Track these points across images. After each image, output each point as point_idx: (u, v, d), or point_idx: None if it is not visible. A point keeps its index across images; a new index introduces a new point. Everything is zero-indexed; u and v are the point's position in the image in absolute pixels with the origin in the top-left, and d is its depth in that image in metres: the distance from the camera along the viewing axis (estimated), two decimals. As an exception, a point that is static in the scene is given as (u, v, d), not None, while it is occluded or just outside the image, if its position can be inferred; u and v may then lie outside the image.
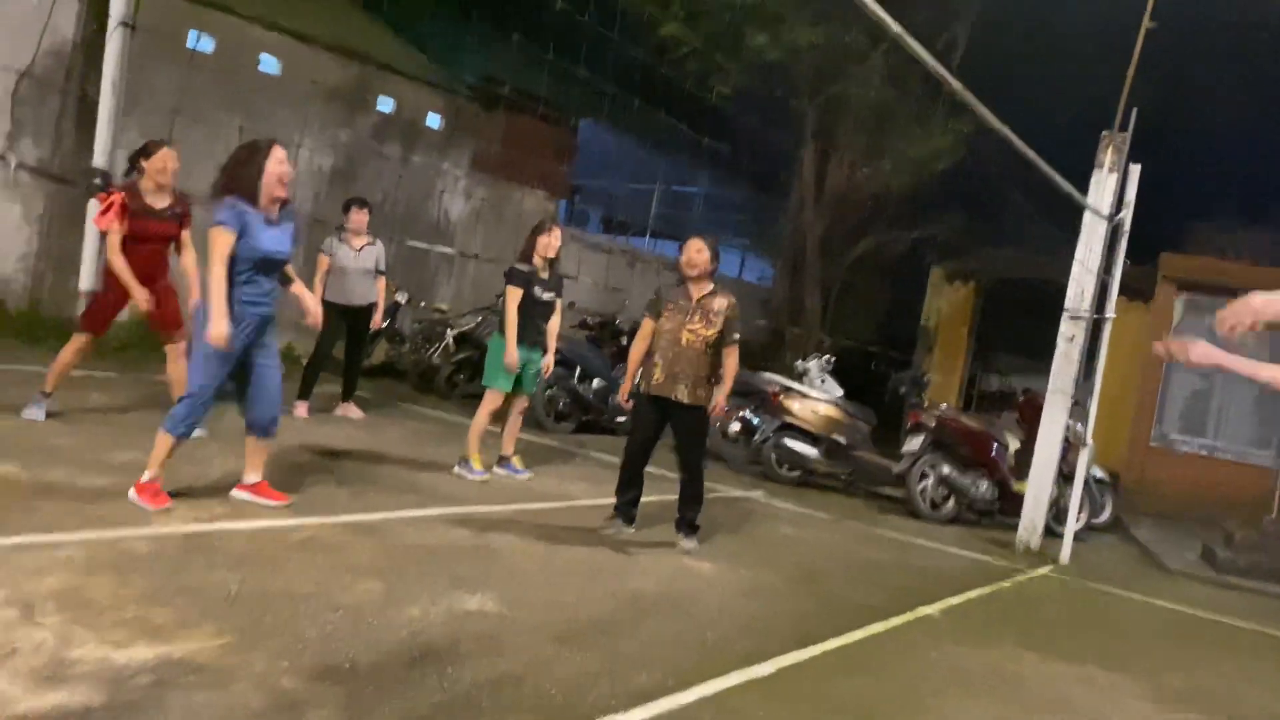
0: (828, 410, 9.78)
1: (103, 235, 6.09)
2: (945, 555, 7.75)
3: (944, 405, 10.51)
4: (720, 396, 6.00)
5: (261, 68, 11.50)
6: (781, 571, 6.02)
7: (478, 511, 6.02)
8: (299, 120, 11.78)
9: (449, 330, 11.20)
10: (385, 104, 12.94)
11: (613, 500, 6.12)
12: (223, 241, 4.67)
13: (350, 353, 8.65)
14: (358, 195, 9.08)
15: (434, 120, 13.60)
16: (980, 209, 15.29)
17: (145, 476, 4.77)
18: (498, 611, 4.23)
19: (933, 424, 9.36)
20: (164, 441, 4.78)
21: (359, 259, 8.37)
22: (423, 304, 12.16)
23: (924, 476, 9.29)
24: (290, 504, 5.23)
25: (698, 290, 5.95)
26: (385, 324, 11.30)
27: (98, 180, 6.09)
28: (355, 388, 8.73)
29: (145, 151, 6.06)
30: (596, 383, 10.43)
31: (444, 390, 10.97)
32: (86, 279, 5.68)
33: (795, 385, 9.93)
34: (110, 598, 3.57)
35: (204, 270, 4.86)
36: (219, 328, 4.62)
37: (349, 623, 3.78)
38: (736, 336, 5.95)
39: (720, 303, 5.92)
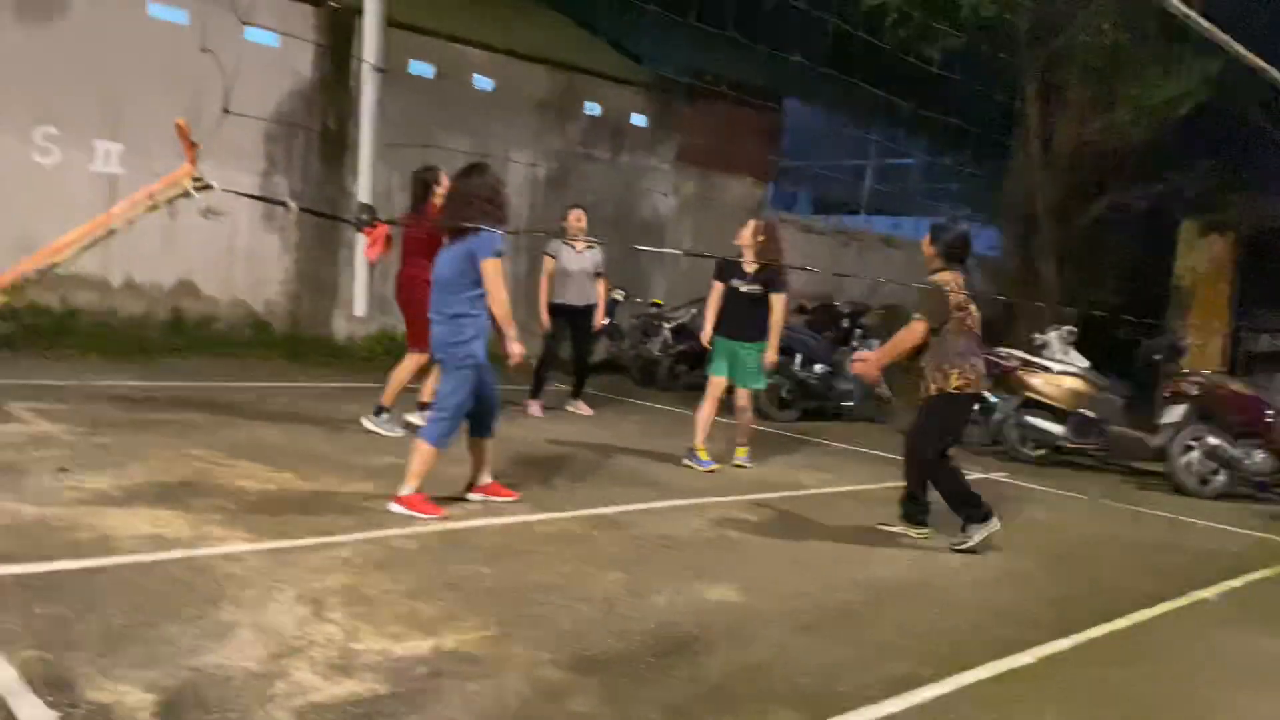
0: (1072, 383, 9.17)
1: (371, 266, 6.61)
2: (1219, 534, 7.08)
3: (1205, 371, 9.62)
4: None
5: (476, 85, 12.05)
6: (1036, 555, 5.69)
7: (712, 502, 6.05)
8: (513, 133, 12.29)
9: (665, 324, 11.36)
10: (592, 108, 13.26)
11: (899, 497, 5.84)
12: (500, 268, 4.93)
13: (577, 352, 8.98)
14: (577, 202, 9.45)
15: (639, 119, 13.81)
16: (1234, 154, 13.85)
17: (407, 490, 4.98)
18: (741, 601, 4.24)
19: (1195, 392, 8.58)
20: (426, 454, 4.98)
21: (581, 261, 8.70)
22: (638, 300, 12.39)
23: (1188, 449, 8.53)
24: (520, 499, 5.43)
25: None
26: (605, 321, 11.62)
27: (365, 215, 6.61)
28: (584, 385, 9.04)
29: (433, 178, 6.59)
30: (819, 368, 10.26)
31: (665, 382, 11.14)
32: (360, 307, 6.18)
33: (1035, 359, 9.36)
34: (384, 594, 3.84)
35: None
36: (519, 347, 5.03)
37: (600, 613, 3.89)
38: (918, 315, 5.60)
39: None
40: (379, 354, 11.14)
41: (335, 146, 11.04)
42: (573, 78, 13.06)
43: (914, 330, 5.53)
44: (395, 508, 4.95)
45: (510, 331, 4.98)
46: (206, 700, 2.82)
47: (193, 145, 1.32)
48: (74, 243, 1.21)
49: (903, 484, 5.80)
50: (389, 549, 4.42)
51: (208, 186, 1.36)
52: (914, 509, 5.74)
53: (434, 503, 5.02)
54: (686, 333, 10.92)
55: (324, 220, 10.86)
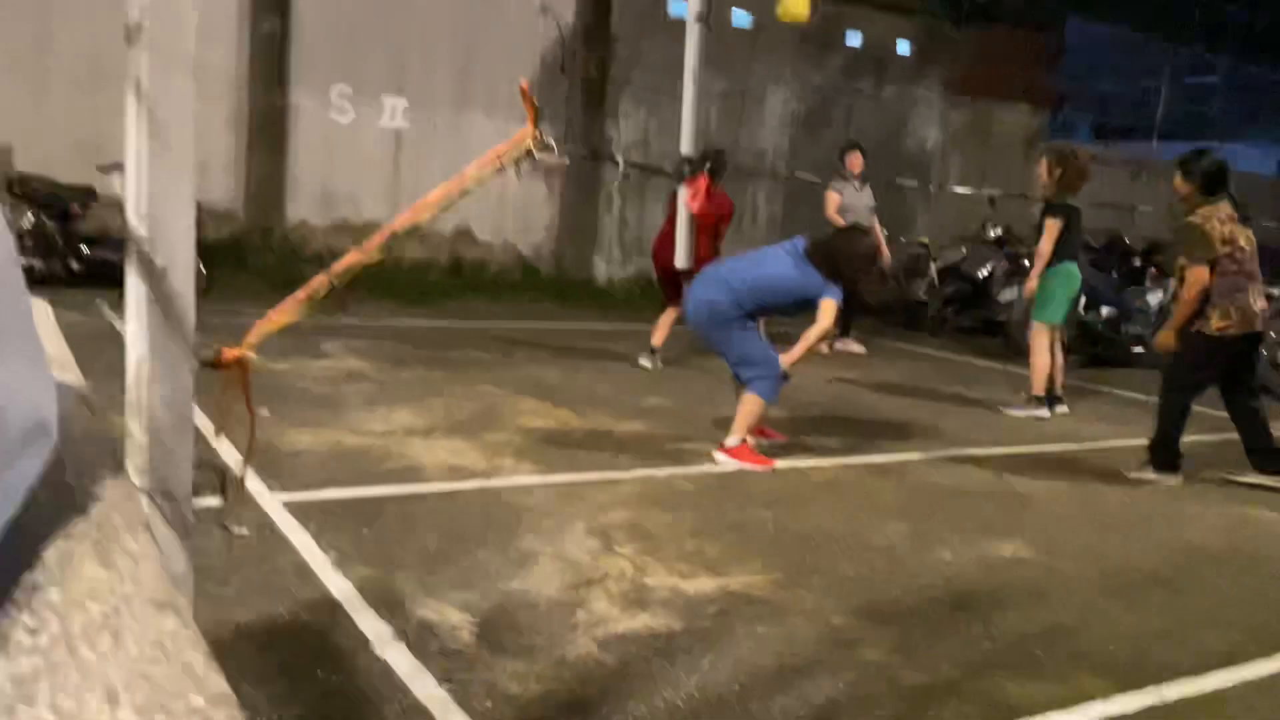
0: None
1: (692, 217, 6.87)
2: None
3: None
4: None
5: (735, 23, 11.90)
6: (1378, 524, 5.02)
7: (993, 453, 5.76)
8: (773, 70, 12.07)
9: (932, 264, 10.87)
10: (854, 38, 12.77)
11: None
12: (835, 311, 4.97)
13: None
14: (855, 142, 9.31)
15: (904, 47, 13.16)
16: None
17: (732, 440, 5.00)
18: (1035, 559, 4.01)
19: None
20: (753, 405, 5.00)
21: (863, 198, 8.70)
22: (902, 239, 11.91)
23: None
24: (786, 442, 5.38)
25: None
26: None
27: (686, 168, 6.85)
28: (854, 322, 8.97)
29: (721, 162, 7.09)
30: (1106, 311, 9.48)
31: (933, 326, 10.69)
32: (681, 258, 6.45)
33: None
34: (668, 531, 3.94)
35: None
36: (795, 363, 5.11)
37: (884, 563, 3.80)
38: (1184, 262, 5.22)
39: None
40: (636, 297, 11.43)
41: (595, 94, 11.29)
42: (834, 7, 12.61)
43: (1196, 279, 5.10)
44: (721, 458, 4.98)
45: (800, 354, 5.03)
46: (518, 623, 3.00)
47: (534, 106, 1.36)
48: (435, 203, 1.29)
49: (1214, 437, 5.33)
50: (668, 488, 4.52)
51: (548, 147, 1.40)
52: (1265, 458, 5.35)
53: (762, 454, 5.05)
54: (957, 274, 10.41)
55: (584, 170, 11.19)
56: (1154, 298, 9.82)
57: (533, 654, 2.81)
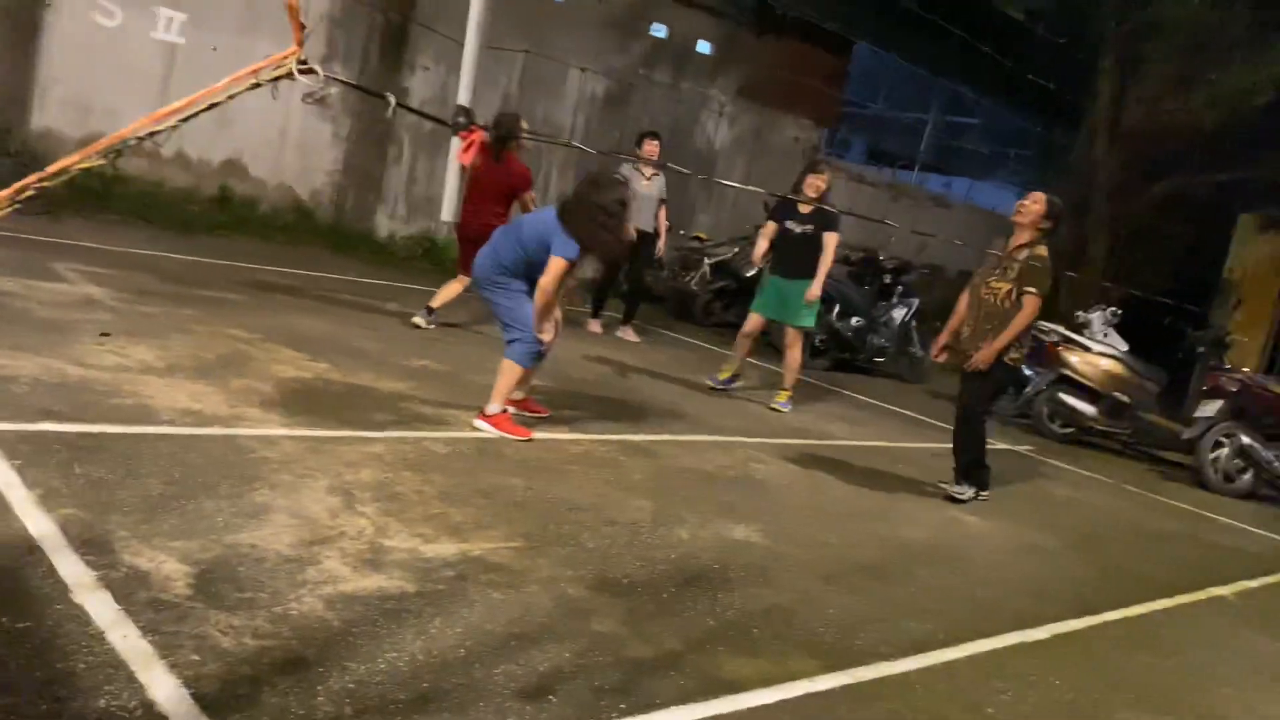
0: (1110, 365, 9.05)
1: (463, 169, 6.60)
2: (1240, 533, 7.04)
3: (1246, 369, 9.48)
4: (995, 343, 5.59)
5: (544, -5, 11.80)
6: (1058, 533, 5.68)
7: (740, 442, 6.05)
8: (578, 47, 12.07)
9: (706, 259, 11.26)
10: (659, 30, 12.98)
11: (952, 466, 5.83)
12: (563, 270, 4.84)
13: (634, 278, 9.00)
14: (654, 130, 9.41)
15: (705, 46, 13.51)
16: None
17: (492, 408, 4.95)
18: (764, 544, 4.25)
19: (1234, 389, 8.46)
20: (509, 371, 4.94)
21: (650, 188, 8.73)
22: (682, 232, 12.26)
23: (1218, 446, 8.44)
24: (550, 417, 5.41)
25: (1015, 241, 5.62)
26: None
27: (462, 118, 6.60)
28: (636, 312, 9.09)
29: (515, 130, 6.79)
30: (855, 320, 10.17)
31: (701, 317, 11.09)
32: (448, 211, 6.19)
33: (1075, 336, 9.24)
34: (415, 493, 3.88)
35: None
36: (548, 334, 5.00)
37: (625, 538, 3.91)
38: (1032, 292, 5.43)
39: (1023, 254, 5.51)
40: (417, 256, 11.15)
41: (395, 41, 10.89)
42: (645, -5, 12.78)
43: (1034, 311, 5.44)
44: (480, 425, 4.93)
45: (544, 321, 4.95)
46: (239, 578, 2.86)
47: (301, 27, 1.27)
48: (177, 112, 1.18)
49: (945, 446, 5.82)
50: (422, 450, 4.45)
51: (312, 70, 1.31)
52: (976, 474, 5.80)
53: (523, 425, 5.01)
54: (727, 269, 10.83)
55: (373, 116, 10.75)
56: (899, 313, 10.64)
57: (252, 609, 2.69)
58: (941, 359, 5.94)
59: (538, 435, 5.07)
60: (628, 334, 8.99)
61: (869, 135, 19.75)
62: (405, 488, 3.91)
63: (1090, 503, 6.88)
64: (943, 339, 5.87)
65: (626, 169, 8.78)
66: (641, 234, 8.69)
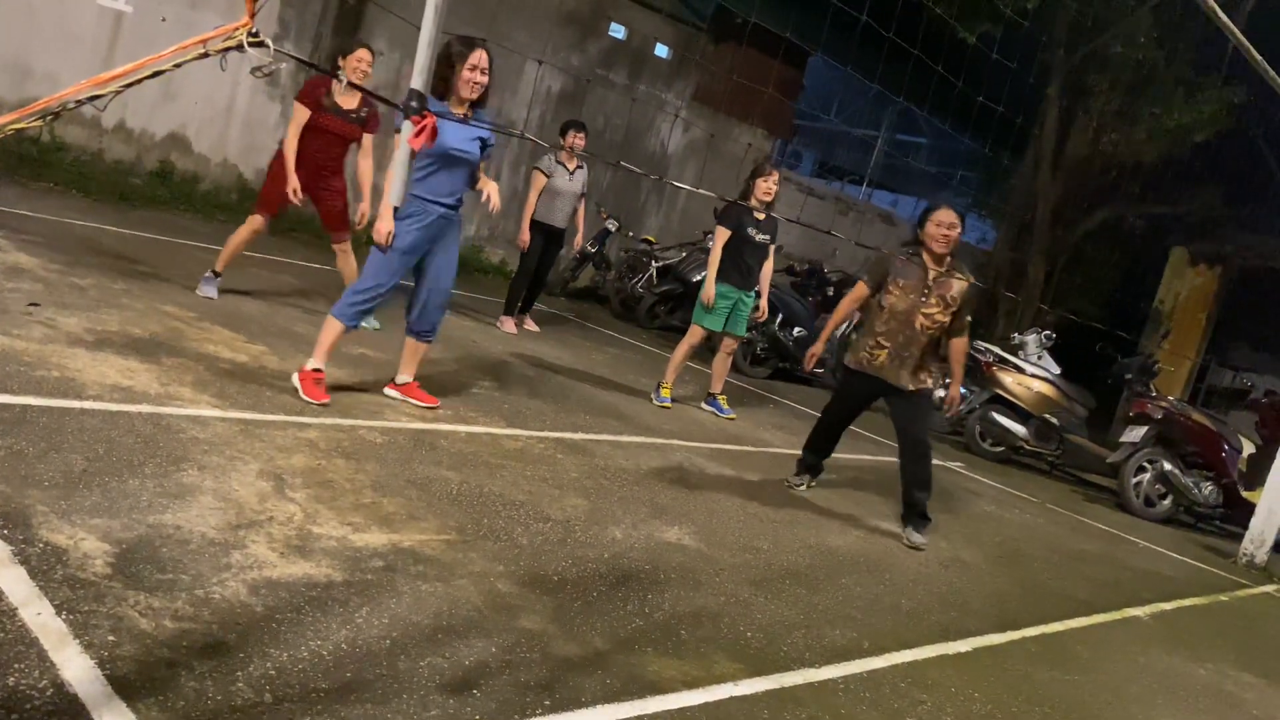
0: (1042, 388, 9.28)
1: (413, 154, 6.47)
2: (1158, 556, 7.26)
3: (1171, 397, 9.77)
4: (955, 390, 5.65)
5: (504, -13, 11.73)
6: (982, 549, 5.80)
7: (677, 445, 6.08)
8: (536, 41, 12.02)
9: (654, 262, 11.29)
10: (618, 30, 12.99)
11: (799, 454, 5.97)
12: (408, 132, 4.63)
13: (540, 271, 8.77)
14: (577, 119, 9.13)
15: (662, 50, 13.56)
16: (1240, 188, 13.92)
17: (310, 364, 4.80)
18: (695, 547, 4.28)
19: (1159, 416, 8.72)
20: (332, 328, 4.80)
21: (571, 182, 8.54)
22: (630, 234, 12.29)
23: (1141, 470, 8.70)
24: (438, 407, 5.21)
25: (936, 268, 5.32)
26: (594, 250, 11.52)
27: (414, 103, 6.45)
28: (534, 303, 8.96)
29: (344, 49, 6.35)
30: (797, 330, 10.28)
31: (644, 320, 11.11)
32: (396, 196, 6.08)
33: (1010, 357, 9.45)
34: (347, 482, 3.83)
35: (379, 176, 5.00)
36: (383, 224, 4.79)
37: (558, 535, 3.91)
38: (969, 320, 5.44)
39: (959, 286, 5.30)
40: (363, 242, 10.97)
41: (349, 22, 10.74)
42: (604, -5, 12.77)
43: (963, 344, 5.51)
44: (294, 379, 4.79)
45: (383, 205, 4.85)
46: (161, 559, 2.80)
47: None
48: (119, 77, 1.14)
49: (874, 459, 5.88)
50: (356, 439, 4.40)
51: (262, 44, 1.28)
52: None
53: (323, 389, 4.78)
54: (673, 274, 10.87)
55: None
56: (841, 326, 10.75)
57: (173, 592, 2.64)
58: (809, 366, 5.76)
59: (475, 430, 5.04)
60: (528, 324, 8.76)
61: (820, 149, 20.01)
62: (337, 475, 3.86)
63: (1015, 520, 7.04)
64: (818, 348, 5.67)
65: (547, 161, 8.46)
66: (556, 231, 8.59)
